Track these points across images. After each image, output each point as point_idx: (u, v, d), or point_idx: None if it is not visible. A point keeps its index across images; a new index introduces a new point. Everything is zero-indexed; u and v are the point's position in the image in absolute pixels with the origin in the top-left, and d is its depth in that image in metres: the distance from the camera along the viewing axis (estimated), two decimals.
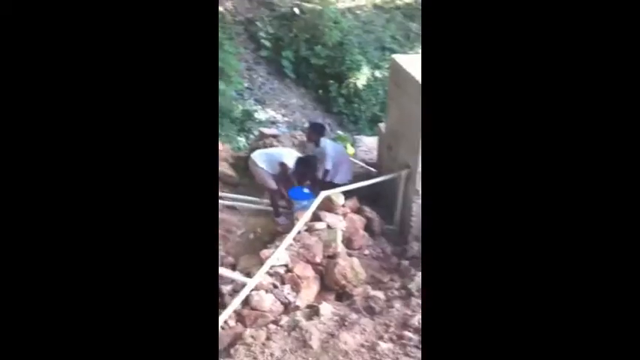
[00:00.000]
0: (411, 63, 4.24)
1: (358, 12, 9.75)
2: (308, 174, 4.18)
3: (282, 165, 4.06)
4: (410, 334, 2.21)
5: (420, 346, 2.12)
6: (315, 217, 3.80)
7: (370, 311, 2.48)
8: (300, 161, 4.10)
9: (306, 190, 4.30)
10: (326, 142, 4.50)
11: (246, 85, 7.18)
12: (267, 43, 7.94)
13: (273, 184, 4.15)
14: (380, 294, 2.65)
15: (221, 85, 5.79)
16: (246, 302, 2.84)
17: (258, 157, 4.16)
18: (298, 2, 8.92)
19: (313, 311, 2.55)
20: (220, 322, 2.48)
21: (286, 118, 7.15)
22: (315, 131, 4.53)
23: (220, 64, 6.29)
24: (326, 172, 4.39)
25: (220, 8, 7.72)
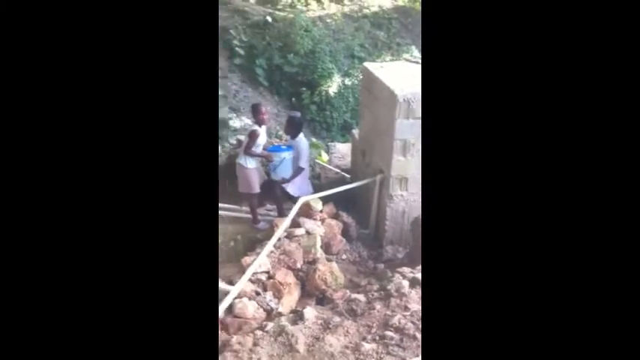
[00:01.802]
0: (382, 70, 4.42)
1: (328, 20, 9.93)
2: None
3: (253, 132, 4.14)
4: (391, 334, 2.33)
5: (402, 345, 2.24)
6: (294, 224, 3.88)
7: (352, 313, 2.58)
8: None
9: (284, 147, 4.42)
10: (303, 139, 4.46)
11: (221, 93, 7.19)
12: (241, 52, 7.98)
13: (256, 187, 4.21)
14: (361, 296, 2.76)
15: None
16: (229, 310, 2.88)
17: (244, 159, 4.18)
18: (271, 10, 9.00)
19: (298, 316, 2.63)
20: None
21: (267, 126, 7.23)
22: (293, 125, 4.44)
23: None
24: (299, 169, 4.37)
25: None
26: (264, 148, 4.35)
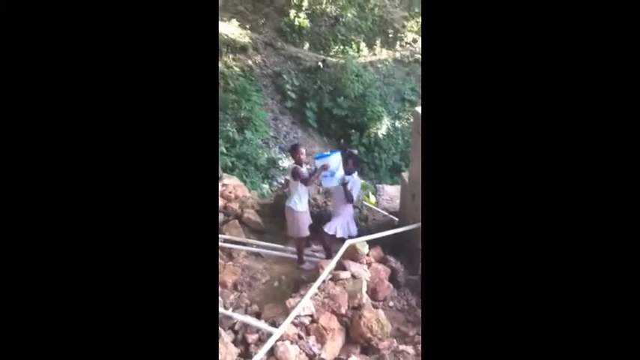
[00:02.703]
0: None
1: (379, 66, 10.16)
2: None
3: (296, 168, 4.06)
4: None
5: None
6: (340, 266, 3.79)
7: None
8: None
9: (327, 153, 4.32)
10: (356, 176, 4.40)
11: (271, 134, 7.46)
12: (293, 95, 8.31)
13: (306, 231, 4.13)
14: (409, 348, 2.59)
15: (248, 134, 6.04)
16: (271, 353, 2.81)
17: (294, 202, 4.08)
18: (323, 57, 9.37)
19: None
20: None
21: (308, 166, 7.37)
22: (352, 161, 4.42)
23: (248, 114, 6.57)
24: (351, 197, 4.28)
25: (249, 62, 8.16)
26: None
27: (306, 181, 4.01)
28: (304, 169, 4.13)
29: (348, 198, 4.21)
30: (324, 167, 4.08)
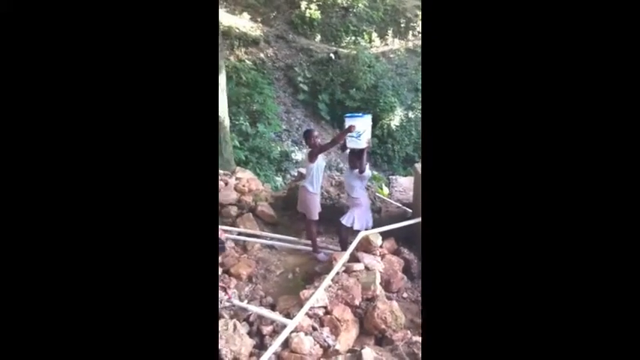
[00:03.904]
0: None
1: (392, 56, 10.04)
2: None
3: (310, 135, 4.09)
4: None
5: None
6: (353, 258, 3.80)
7: (414, 357, 2.43)
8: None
9: (359, 114, 4.24)
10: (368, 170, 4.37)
11: (284, 127, 7.46)
12: (305, 87, 8.28)
13: (316, 214, 4.14)
14: None
15: (261, 127, 6.06)
16: (285, 344, 2.84)
17: (310, 184, 4.08)
18: (335, 48, 9.30)
19: (355, 356, 2.52)
20: None
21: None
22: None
23: (260, 107, 6.58)
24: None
25: (261, 55, 8.16)
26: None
27: (328, 146, 4.02)
28: (320, 163, 4.08)
29: (362, 167, 4.09)
30: (350, 129, 3.96)
